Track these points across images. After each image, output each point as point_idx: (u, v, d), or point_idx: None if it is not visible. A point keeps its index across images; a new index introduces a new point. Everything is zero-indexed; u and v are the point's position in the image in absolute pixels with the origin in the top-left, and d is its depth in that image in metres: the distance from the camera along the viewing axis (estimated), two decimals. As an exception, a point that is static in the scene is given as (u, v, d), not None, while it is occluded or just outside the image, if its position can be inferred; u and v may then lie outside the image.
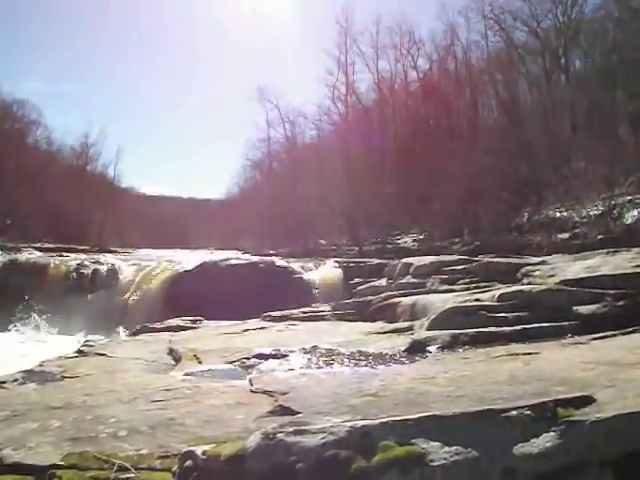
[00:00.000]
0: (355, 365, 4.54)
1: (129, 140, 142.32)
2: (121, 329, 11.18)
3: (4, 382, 4.19)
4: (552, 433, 2.01)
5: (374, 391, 3.05)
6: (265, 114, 46.52)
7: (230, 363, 4.71)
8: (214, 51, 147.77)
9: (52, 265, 15.64)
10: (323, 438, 1.92)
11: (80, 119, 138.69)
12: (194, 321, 8.26)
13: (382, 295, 9.00)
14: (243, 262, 15.33)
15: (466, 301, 6.55)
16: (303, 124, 46.64)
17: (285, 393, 3.18)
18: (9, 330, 13.26)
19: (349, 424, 1.99)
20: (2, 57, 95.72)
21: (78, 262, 15.74)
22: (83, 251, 28.42)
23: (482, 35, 33.03)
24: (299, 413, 2.65)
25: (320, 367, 4.48)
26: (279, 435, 1.93)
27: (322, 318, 8.57)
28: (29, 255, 19.60)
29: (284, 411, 2.81)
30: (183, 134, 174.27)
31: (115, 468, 2.21)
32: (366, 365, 4.53)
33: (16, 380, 4.26)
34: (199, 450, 2.00)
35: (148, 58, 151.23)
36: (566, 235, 16.20)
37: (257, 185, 54.46)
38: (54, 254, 20.52)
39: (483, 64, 33.90)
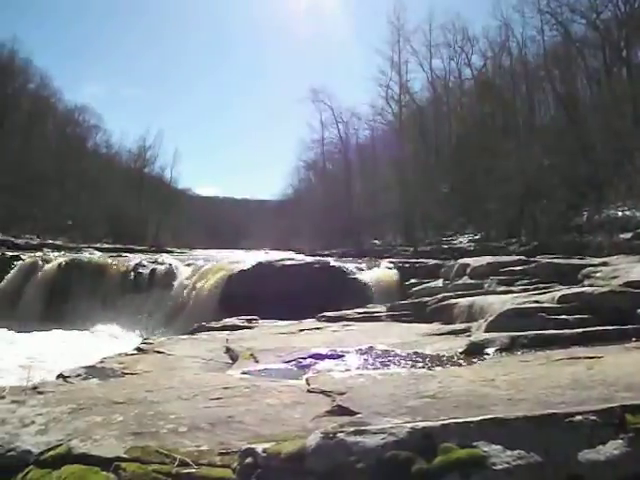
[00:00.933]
0: (412, 366, 4.49)
1: (185, 143, 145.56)
2: (178, 328, 11.37)
3: (68, 377, 4.32)
4: (620, 440, 1.94)
5: (432, 393, 3.01)
6: (319, 115, 46.73)
7: (286, 363, 4.72)
8: (267, 53, 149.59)
9: (112, 265, 16.09)
10: (383, 439, 1.90)
11: (138, 123, 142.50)
12: (250, 320, 8.33)
13: (438, 296, 8.90)
14: (298, 262, 15.40)
15: (525, 303, 6.41)
16: (357, 124, 46.68)
17: (342, 393, 3.17)
18: (70, 328, 13.71)
19: (409, 425, 1.97)
20: (64, 65, 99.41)
21: (136, 262, 16.14)
22: (141, 251, 29.17)
23: (538, 30, 32.18)
24: (357, 413, 2.64)
25: (376, 368, 4.45)
26: (339, 435, 1.93)
27: (377, 319, 8.53)
28: (90, 255, 20.24)
29: (342, 411, 2.80)
30: (238, 136, 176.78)
31: (176, 463, 2.25)
32: (423, 367, 4.47)
33: (79, 375, 4.37)
34: (259, 447, 2.01)
35: (202, 63, 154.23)
36: (628, 235, 15.69)
37: (311, 186, 54.76)
38: (114, 254, 21.13)
39: (539, 60, 33.09)
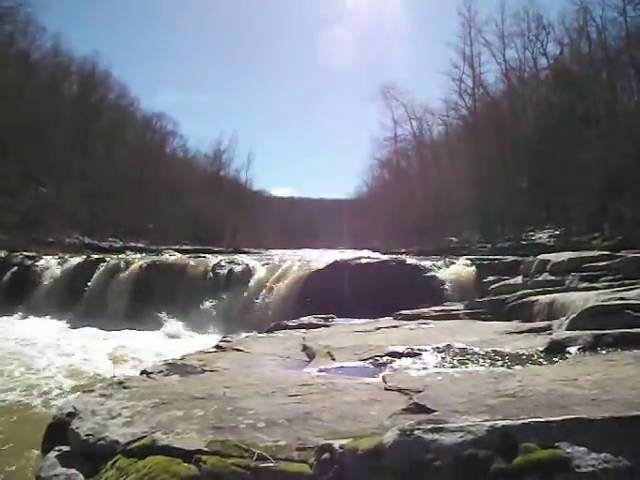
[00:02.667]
0: (490, 365, 4.39)
1: (259, 145, 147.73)
2: (255, 326, 11.56)
3: (151, 373, 4.47)
4: None
5: (512, 392, 2.94)
6: (391, 112, 46.36)
7: (363, 361, 4.71)
8: (337, 54, 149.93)
9: (191, 266, 16.52)
10: (461, 437, 1.87)
11: (212, 127, 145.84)
12: (326, 319, 8.37)
13: (518, 293, 8.69)
14: (374, 261, 15.33)
15: (609, 299, 6.16)
16: (430, 120, 45.98)
17: (419, 391, 3.15)
18: (152, 327, 14.18)
19: (488, 424, 1.93)
20: (140, 74, 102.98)
21: (215, 262, 16.49)
22: (219, 252, 29.88)
23: (620, 11, 30.12)
24: (435, 411, 2.62)
25: (454, 366, 4.37)
26: (416, 432, 1.91)
27: (455, 317, 8.41)
28: (169, 256, 20.87)
29: (419, 409, 2.78)
30: (312, 136, 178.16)
31: (255, 457, 2.29)
32: (502, 365, 4.36)
33: (161, 372, 4.51)
34: (337, 444, 2.02)
35: (274, 66, 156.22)
36: None
37: (385, 184, 54.35)
38: (192, 255, 21.72)
39: (621, 43, 31.37)
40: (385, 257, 17.73)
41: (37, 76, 43.18)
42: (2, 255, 19.72)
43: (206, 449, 2.39)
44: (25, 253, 20.49)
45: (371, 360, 4.71)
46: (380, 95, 46.36)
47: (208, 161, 65.73)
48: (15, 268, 18.43)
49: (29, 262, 18.80)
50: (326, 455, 2.04)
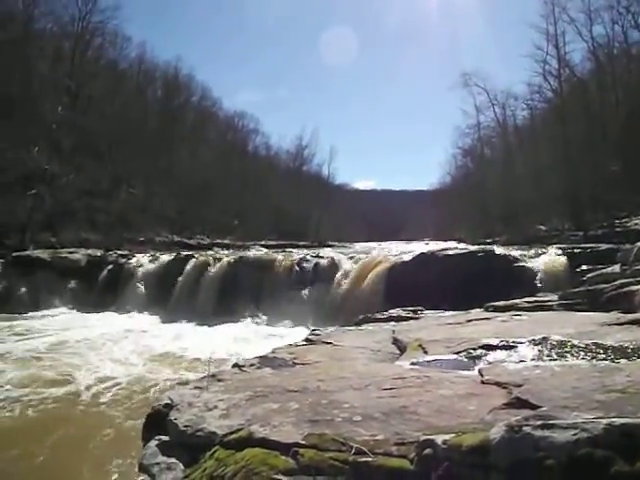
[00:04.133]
0: (592, 358, 4.16)
1: (341, 139, 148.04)
2: (343, 319, 11.56)
3: (243, 366, 4.52)
4: None
5: (621, 387, 2.75)
6: (473, 99, 45.28)
7: (456, 353, 4.58)
8: (414, 44, 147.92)
9: (277, 260, 16.73)
10: (575, 434, 1.75)
11: (293, 124, 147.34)
12: (415, 311, 8.25)
13: (616, 283, 8.26)
14: (461, 252, 15.00)
15: None
16: (514, 105, 44.57)
17: (519, 385, 3.01)
18: (239, 321, 14.49)
19: (605, 421, 1.80)
20: (221, 75, 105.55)
21: (300, 257, 16.64)
22: (304, 246, 30.20)
23: None
24: (539, 407, 2.48)
25: (553, 359, 4.17)
26: (525, 428, 1.81)
27: (549, 308, 8.09)
28: (256, 252, 21.23)
29: (521, 404, 2.65)
30: (392, 128, 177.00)
31: (353, 451, 2.25)
32: (605, 359, 4.12)
33: (253, 365, 4.55)
34: (439, 439, 1.95)
35: (351, 60, 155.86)
36: None
37: (469, 173, 53.19)
38: (278, 250, 22.02)
39: None
40: (472, 247, 17.34)
41: (125, 84, 45.15)
42: (98, 254, 20.66)
43: (303, 442, 2.37)
44: (119, 252, 21.40)
45: (464, 353, 4.58)
46: (461, 82, 45.40)
47: (290, 157, 66.72)
48: (110, 266, 19.29)
49: (123, 260, 19.62)
50: (428, 450, 1.97)
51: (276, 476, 2.23)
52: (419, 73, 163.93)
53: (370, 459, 2.19)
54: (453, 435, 2.00)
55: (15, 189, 24.77)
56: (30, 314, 16.73)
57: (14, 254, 20.06)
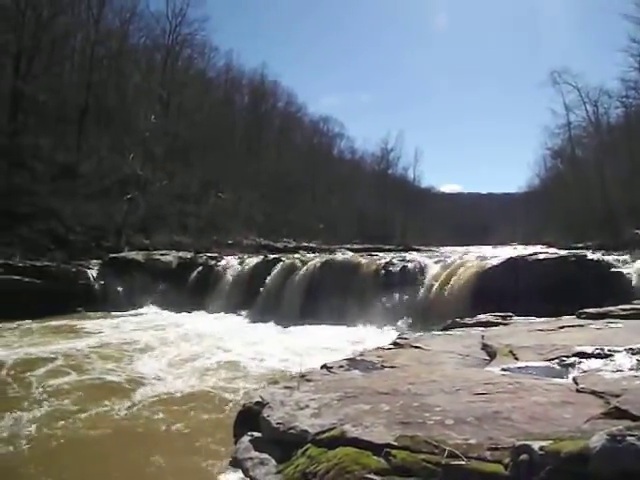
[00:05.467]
0: (699, 369, 3.95)
1: (425, 142, 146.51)
2: (430, 323, 11.43)
3: (331, 367, 4.58)
4: None
5: None
6: (562, 98, 43.50)
7: (548, 361, 4.45)
8: (495, 42, 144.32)
9: (363, 264, 16.73)
10: (683, 446, 1.69)
11: (377, 126, 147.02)
12: (504, 317, 8.05)
13: None
14: (551, 256, 14.49)
15: None
16: (607, 103, 42.42)
17: (617, 395, 2.91)
18: (326, 324, 14.56)
19: None
20: (306, 80, 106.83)
21: (387, 260, 16.55)
22: (389, 250, 30.02)
23: None
24: (640, 418, 2.40)
25: (654, 369, 3.99)
26: (629, 438, 1.76)
27: (647, 316, 7.69)
28: (342, 255, 21.33)
29: (620, 414, 2.56)
30: (478, 129, 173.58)
31: (445, 454, 2.25)
32: None
33: (341, 367, 4.60)
34: (535, 445, 1.92)
35: (432, 62, 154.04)
36: None
37: (559, 174, 51.17)
38: (364, 253, 22.02)
39: None
40: (563, 252, 16.73)
41: (213, 92, 46.65)
42: (189, 256, 21.35)
43: (395, 443, 2.39)
44: (208, 254, 22.02)
45: (557, 360, 4.44)
46: (549, 80, 43.66)
47: (375, 160, 66.63)
48: (200, 268, 19.89)
49: (212, 262, 20.18)
50: (524, 456, 1.95)
51: (368, 475, 2.26)
52: (505, 72, 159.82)
53: (463, 463, 2.18)
54: (550, 442, 1.97)
55: (112, 194, 26.03)
56: (126, 312, 17.58)
57: (111, 255, 21.07)
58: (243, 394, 8.07)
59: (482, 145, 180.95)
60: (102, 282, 19.24)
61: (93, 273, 19.46)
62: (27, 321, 15.13)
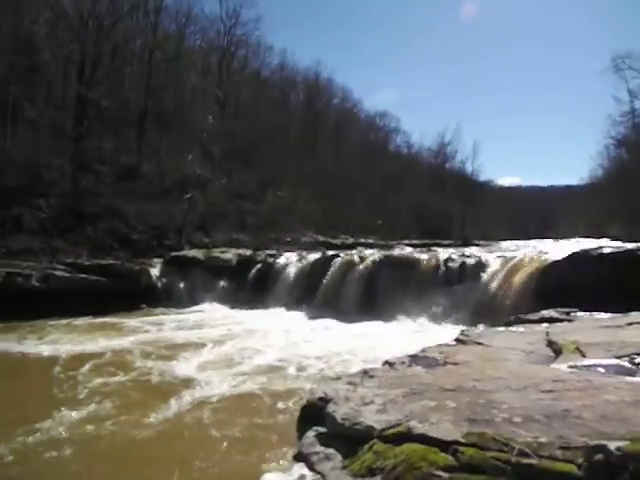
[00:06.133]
0: None
1: (483, 134, 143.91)
2: (491, 320, 11.25)
3: (394, 364, 4.57)
4: None
5: None
6: (626, 84, 41.91)
7: (618, 358, 4.33)
8: (553, 29, 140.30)
9: (422, 259, 16.57)
10: None
11: (433, 120, 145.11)
12: (568, 313, 7.87)
13: None
14: (617, 250, 13.96)
15: None
16: (674, 87, 40.63)
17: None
18: (385, 320, 14.52)
19: None
20: (361, 76, 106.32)
21: (446, 256, 16.35)
22: (448, 245, 29.70)
23: None
24: None
25: None
26: None
27: None
28: (400, 251, 21.19)
29: (700, 414, 2.48)
30: (536, 121, 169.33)
31: (515, 452, 2.22)
32: None
33: (404, 363, 4.59)
34: (612, 445, 1.87)
35: (487, 54, 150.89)
36: None
37: (624, 164, 49.32)
38: (422, 249, 21.83)
39: None
40: (629, 246, 16.13)
41: (268, 90, 47.14)
42: (248, 254, 21.61)
43: (463, 440, 2.38)
44: (267, 251, 22.23)
45: (627, 358, 4.31)
46: (612, 67, 42.10)
47: (432, 155, 65.83)
48: (259, 265, 20.10)
49: (271, 259, 20.36)
50: (599, 456, 1.90)
51: (436, 472, 2.25)
52: (563, 60, 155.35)
53: (534, 462, 2.14)
54: (627, 442, 1.91)
55: (172, 194, 26.62)
56: (187, 309, 17.98)
57: (172, 254, 21.55)
58: (300, 391, 8.15)
59: (542, 136, 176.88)
60: (164, 280, 19.71)
61: (155, 271, 19.95)
62: (93, 318, 15.70)
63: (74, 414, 7.28)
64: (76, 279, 17.51)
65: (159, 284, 19.55)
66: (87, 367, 10.06)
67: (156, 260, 20.91)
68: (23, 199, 21.00)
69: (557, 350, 4.88)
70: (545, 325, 6.70)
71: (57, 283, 17.00)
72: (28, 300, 15.53)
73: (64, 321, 15.21)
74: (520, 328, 6.74)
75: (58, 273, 17.38)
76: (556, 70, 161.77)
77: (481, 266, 14.97)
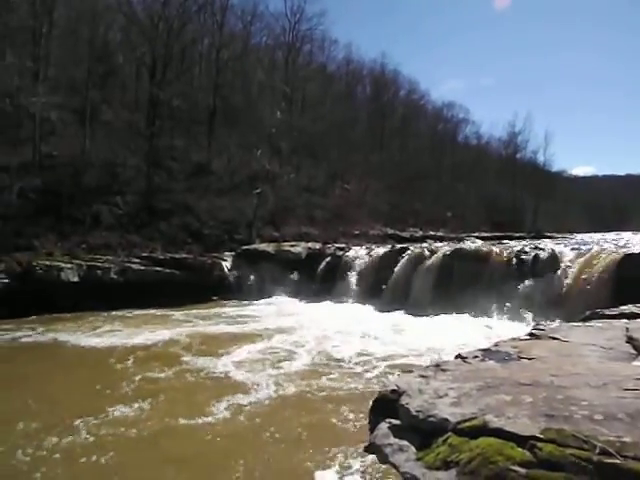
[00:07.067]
0: None
1: (555, 123, 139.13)
2: (565, 314, 10.92)
3: (466, 358, 4.51)
4: None
5: None
6: None
7: None
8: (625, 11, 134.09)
9: (494, 252, 16.25)
10: None
11: (503, 109, 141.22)
12: (651, 307, 7.54)
13: None
14: None
15: None
16: None
17: None
18: (455, 314, 14.33)
19: None
20: (427, 66, 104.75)
21: (518, 249, 15.98)
22: (520, 238, 29.00)
23: None
24: None
25: None
26: None
27: None
28: (471, 244, 20.86)
29: None
30: (612, 107, 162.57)
31: (597, 451, 2.15)
32: None
33: (476, 357, 4.52)
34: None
35: (557, 38, 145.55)
36: None
37: None
38: (494, 242, 21.42)
39: None
40: None
41: (334, 85, 47.25)
42: (317, 247, 21.78)
43: (541, 436, 2.33)
44: (336, 245, 22.35)
45: None
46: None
47: (502, 145, 64.33)
48: (328, 258, 20.24)
49: (340, 253, 20.46)
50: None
51: (513, 467, 2.22)
52: (635, 45, 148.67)
53: (618, 461, 2.08)
54: None
55: (242, 189, 27.12)
56: (257, 301, 18.35)
57: (243, 247, 21.99)
58: (369, 383, 8.17)
59: (617, 124, 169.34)
60: (235, 273, 20.14)
61: (227, 264, 20.41)
62: (167, 309, 16.27)
63: (138, 406, 7.57)
64: (151, 272, 18.15)
65: (230, 277, 20.00)
66: (157, 354, 10.55)
67: (227, 254, 21.38)
68: (102, 197, 21.93)
69: (638, 347, 4.70)
70: (624, 321, 6.44)
71: (134, 276, 17.71)
72: (107, 292, 16.23)
73: (140, 312, 15.84)
74: (598, 323, 6.50)
75: (134, 266, 18.09)
76: (630, 56, 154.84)
77: (555, 259, 14.54)
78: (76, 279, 16.69)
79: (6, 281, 15.71)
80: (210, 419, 7.01)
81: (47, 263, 16.66)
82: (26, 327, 13.60)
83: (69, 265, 16.86)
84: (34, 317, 14.63)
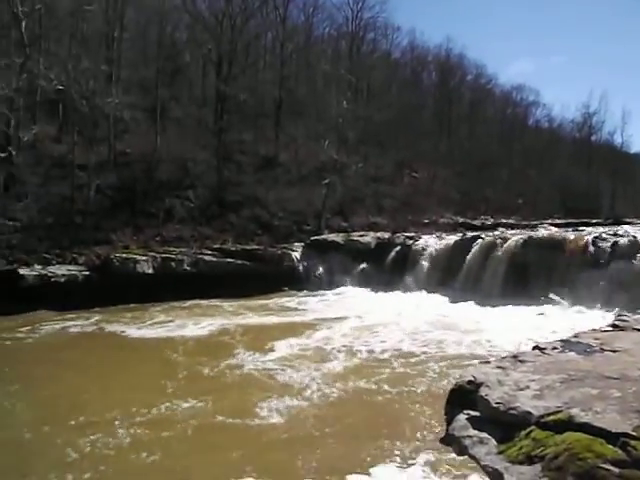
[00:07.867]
0: None
1: (634, 100, 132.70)
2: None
3: (544, 349, 4.37)
4: None
5: None
6: None
7: None
8: None
9: (569, 239, 15.72)
10: None
11: (576, 91, 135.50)
12: None
13: None
14: None
15: None
16: None
17: None
18: (529, 303, 13.94)
19: None
20: (494, 49, 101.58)
21: (595, 235, 15.40)
22: (597, 224, 27.97)
23: None
24: None
25: None
26: None
27: None
28: (544, 231, 20.28)
29: None
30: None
31: None
32: None
33: (555, 348, 4.37)
34: None
35: (629, 12, 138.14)
36: None
37: None
38: (568, 229, 20.74)
39: None
40: None
41: (399, 72, 46.71)
42: (386, 236, 21.67)
43: (633, 433, 2.21)
44: (406, 234, 22.14)
45: None
46: None
47: (576, 127, 61.89)
48: (398, 248, 20.11)
49: (409, 242, 20.28)
50: None
51: (604, 465, 2.12)
52: None
53: None
54: None
55: (310, 180, 27.22)
56: (327, 291, 18.47)
57: (312, 238, 22.09)
58: (440, 375, 8.08)
59: None
60: (304, 263, 20.29)
61: (297, 255, 20.57)
62: (239, 299, 16.64)
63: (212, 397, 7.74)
64: (223, 263, 18.56)
65: (300, 267, 20.16)
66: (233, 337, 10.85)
67: (296, 244, 21.55)
68: (174, 191, 22.52)
69: None
70: None
71: (206, 267, 18.16)
72: (181, 283, 16.70)
73: (216, 302, 16.26)
74: (687, 313, 6.20)
75: (207, 258, 18.55)
76: None
77: (636, 246, 13.91)
78: (151, 271, 17.27)
79: (86, 273, 16.44)
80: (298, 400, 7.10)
81: (124, 256, 17.34)
82: (90, 318, 14.25)
83: (144, 257, 17.47)
84: (97, 309, 15.20)
